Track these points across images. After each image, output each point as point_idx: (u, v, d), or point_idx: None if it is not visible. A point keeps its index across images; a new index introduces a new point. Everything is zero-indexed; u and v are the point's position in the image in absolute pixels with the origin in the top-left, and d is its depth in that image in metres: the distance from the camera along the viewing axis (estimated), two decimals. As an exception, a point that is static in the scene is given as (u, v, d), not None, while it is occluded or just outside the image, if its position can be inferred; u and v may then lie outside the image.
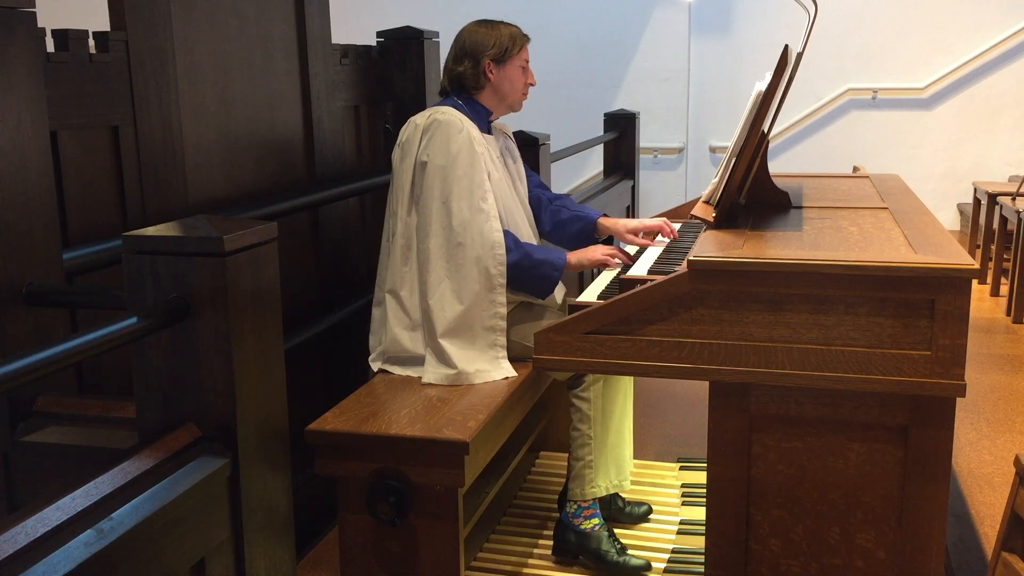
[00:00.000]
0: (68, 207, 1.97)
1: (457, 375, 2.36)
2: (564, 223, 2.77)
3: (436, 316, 2.38)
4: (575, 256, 2.54)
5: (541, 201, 2.78)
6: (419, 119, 2.48)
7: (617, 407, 2.57)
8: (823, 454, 1.97)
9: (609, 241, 2.81)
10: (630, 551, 2.56)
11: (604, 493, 2.55)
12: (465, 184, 2.39)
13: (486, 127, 2.59)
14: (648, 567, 2.52)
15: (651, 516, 2.83)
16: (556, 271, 2.47)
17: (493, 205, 2.42)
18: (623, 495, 2.86)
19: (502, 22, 2.60)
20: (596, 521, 2.55)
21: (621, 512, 2.81)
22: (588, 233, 2.74)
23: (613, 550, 2.52)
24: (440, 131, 2.41)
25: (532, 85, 2.64)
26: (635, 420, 2.85)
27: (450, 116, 2.44)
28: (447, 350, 2.36)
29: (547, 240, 2.84)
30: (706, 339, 1.94)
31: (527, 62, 2.61)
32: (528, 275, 2.46)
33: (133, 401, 1.59)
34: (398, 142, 2.52)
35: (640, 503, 2.84)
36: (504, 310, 2.43)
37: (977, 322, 5.04)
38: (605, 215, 2.76)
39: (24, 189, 1.71)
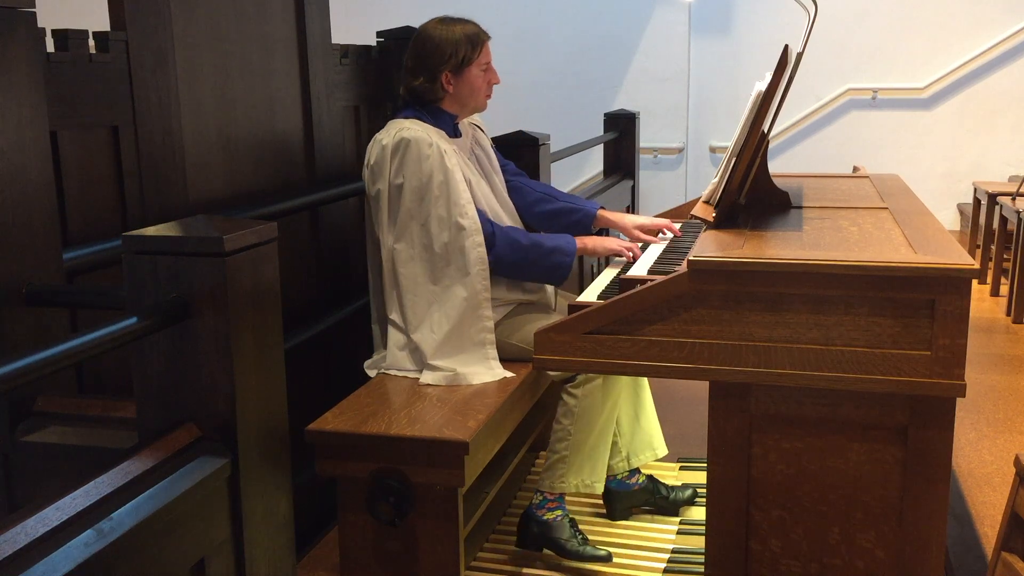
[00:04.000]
0: (68, 207, 1.97)
1: (455, 376, 2.37)
2: (557, 213, 2.72)
3: (425, 345, 2.40)
4: (591, 241, 2.54)
5: (523, 190, 2.75)
6: (384, 138, 2.43)
7: (604, 413, 2.55)
8: (823, 454, 1.97)
9: (604, 235, 2.79)
10: (618, 547, 2.56)
11: (572, 490, 2.54)
12: (442, 203, 2.37)
13: (453, 131, 2.56)
14: (609, 558, 2.53)
15: (653, 516, 2.83)
16: (568, 256, 2.49)
17: (474, 218, 2.40)
18: (666, 481, 2.87)
19: (459, 20, 2.51)
20: (559, 512, 2.56)
21: (666, 501, 2.82)
22: (585, 226, 2.71)
23: (575, 540, 2.53)
24: (410, 151, 2.37)
25: (496, 84, 2.57)
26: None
27: (417, 132, 2.39)
28: (440, 364, 2.39)
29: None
30: (706, 339, 1.94)
31: (489, 63, 2.53)
32: (538, 265, 2.48)
33: (133, 401, 1.59)
34: (367, 163, 2.47)
35: (685, 486, 2.86)
36: (491, 324, 2.44)
37: (977, 322, 5.04)
38: (603, 207, 2.74)
39: (24, 189, 1.71)
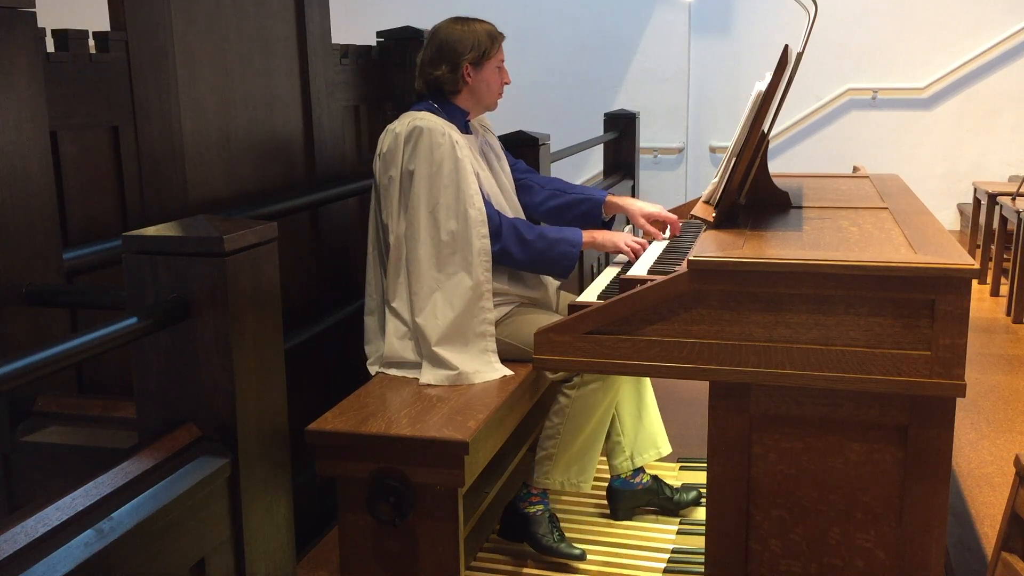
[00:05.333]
0: (68, 207, 1.98)
1: (457, 375, 2.37)
2: (566, 207, 2.74)
3: (429, 330, 2.40)
4: (600, 234, 2.55)
5: (533, 188, 2.78)
6: (398, 127, 2.46)
7: (597, 416, 2.55)
8: (823, 454, 1.97)
9: (611, 222, 2.80)
10: (595, 547, 2.56)
11: (557, 487, 2.56)
12: (451, 192, 2.39)
13: (465, 128, 2.59)
14: (583, 557, 2.54)
15: (656, 516, 2.83)
16: (573, 247, 2.49)
17: (481, 209, 2.42)
18: (669, 482, 2.88)
19: (477, 19, 2.57)
20: (540, 507, 2.58)
21: (670, 501, 2.82)
22: (595, 215, 2.72)
23: (551, 536, 2.55)
24: (423, 139, 2.40)
25: (507, 84, 2.62)
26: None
27: (431, 122, 2.42)
28: (443, 355, 2.38)
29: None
30: (706, 339, 1.94)
31: (503, 61, 2.59)
32: (544, 255, 2.48)
33: (133, 401, 1.59)
34: (378, 152, 2.50)
35: (689, 488, 2.86)
36: (492, 315, 2.45)
37: (977, 322, 5.04)
38: (611, 194, 2.74)
39: (24, 189, 1.71)
